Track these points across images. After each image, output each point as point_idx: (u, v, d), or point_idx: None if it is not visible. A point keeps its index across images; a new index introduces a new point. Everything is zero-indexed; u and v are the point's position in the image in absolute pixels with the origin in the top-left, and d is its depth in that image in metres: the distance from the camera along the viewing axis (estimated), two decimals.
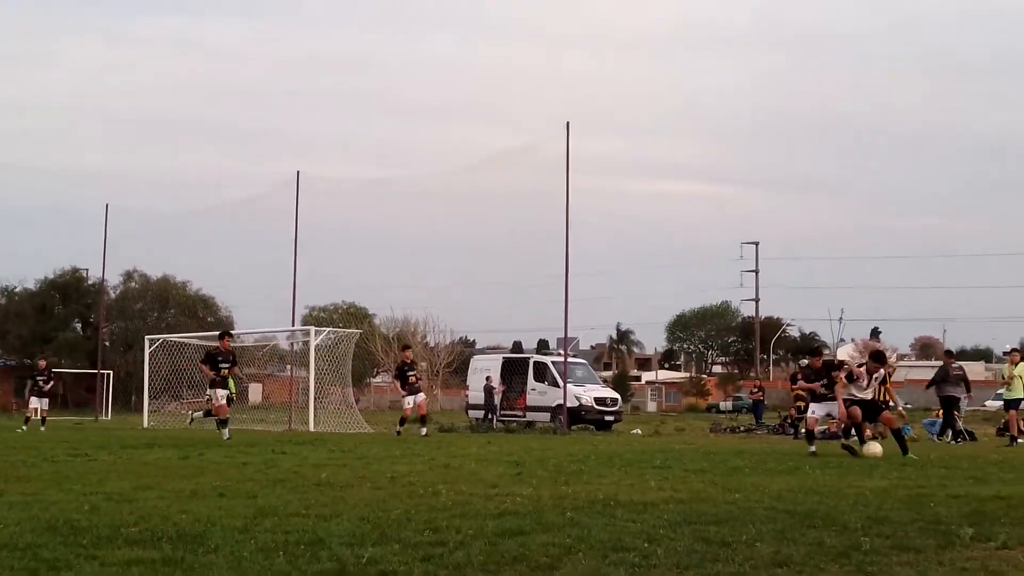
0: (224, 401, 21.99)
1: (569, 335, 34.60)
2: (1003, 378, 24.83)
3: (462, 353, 74.29)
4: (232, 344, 24.19)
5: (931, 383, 26.95)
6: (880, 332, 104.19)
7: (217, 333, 27.37)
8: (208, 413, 23.16)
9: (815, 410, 18.22)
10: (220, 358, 22.13)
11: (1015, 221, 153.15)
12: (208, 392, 22.67)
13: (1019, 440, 23.10)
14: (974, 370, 77.72)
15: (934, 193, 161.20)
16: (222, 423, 22.02)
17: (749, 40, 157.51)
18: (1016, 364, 23.38)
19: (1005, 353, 27.54)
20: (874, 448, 16.30)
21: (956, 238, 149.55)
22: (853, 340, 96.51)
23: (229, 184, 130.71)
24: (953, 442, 24.96)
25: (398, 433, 25.32)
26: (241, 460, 14.91)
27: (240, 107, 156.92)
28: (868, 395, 17.14)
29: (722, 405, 76.57)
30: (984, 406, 47.03)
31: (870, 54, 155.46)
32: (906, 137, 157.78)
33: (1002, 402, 25.43)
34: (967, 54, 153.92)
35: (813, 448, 17.43)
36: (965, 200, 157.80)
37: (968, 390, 26.59)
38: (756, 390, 42.61)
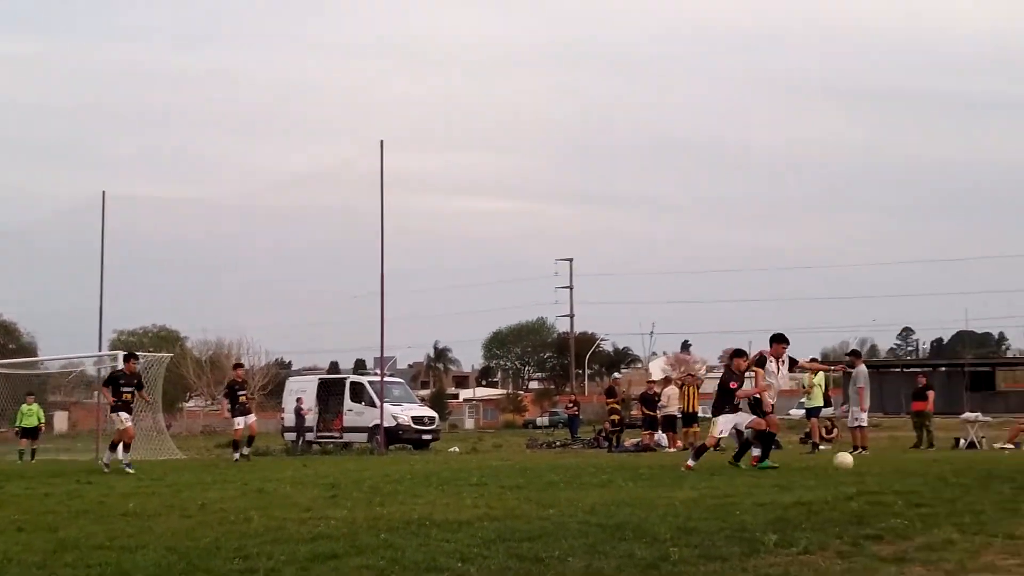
0: (129, 424, 20.72)
1: (386, 354, 34.48)
2: (804, 387, 25.77)
3: (277, 375, 73.16)
4: (47, 371, 23.04)
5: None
6: (690, 345, 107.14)
7: (16, 360, 26.24)
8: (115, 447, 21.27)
9: (723, 423, 16.34)
10: (123, 381, 20.99)
11: (818, 236, 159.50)
12: (111, 416, 21.49)
13: (821, 447, 23.99)
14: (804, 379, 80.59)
15: (742, 208, 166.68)
16: (125, 448, 20.68)
17: (567, 58, 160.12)
18: (816, 374, 24.25)
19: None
20: (845, 459, 15.70)
21: (764, 252, 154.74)
22: (664, 353, 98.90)
23: (29, 204, 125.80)
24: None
25: (236, 460, 24.02)
26: (43, 491, 14.32)
27: (39, 123, 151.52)
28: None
29: (539, 420, 77.32)
30: (788, 415, 48.69)
31: (681, 71, 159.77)
32: (712, 153, 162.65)
33: (804, 411, 26.38)
34: (780, 70, 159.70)
35: (691, 463, 16.04)
36: (772, 214, 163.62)
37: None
38: (572, 405, 43.16)
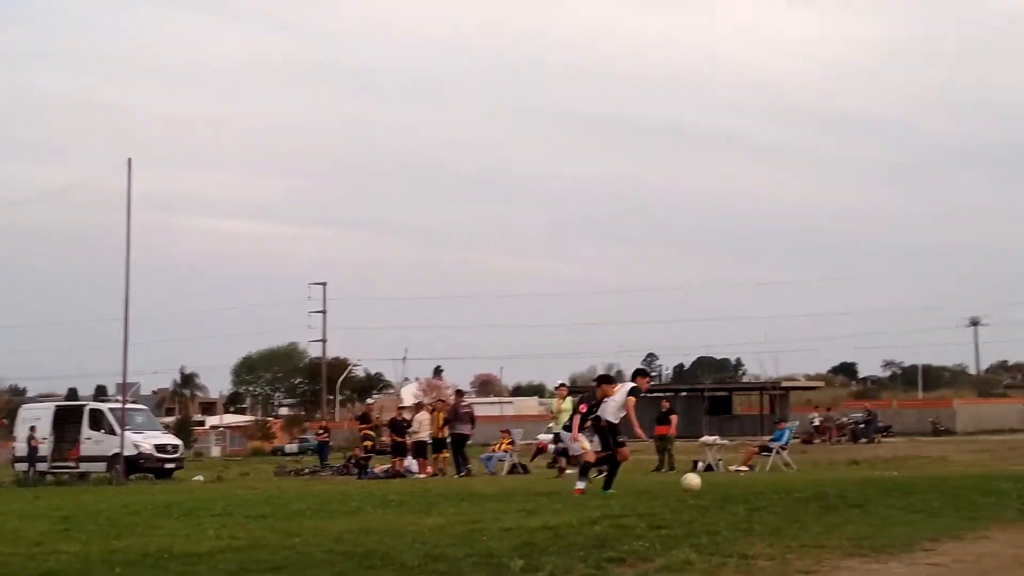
0: None
1: (129, 380, 33.35)
2: (552, 412, 26.31)
3: (10, 402, 69.55)
4: None
5: (445, 422, 28.61)
6: (443, 370, 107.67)
7: None
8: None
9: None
10: None
11: (565, 263, 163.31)
12: None
13: (567, 471, 24.43)
14: (528, 404, 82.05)
15: (494, 235, 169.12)
16: None
17: (326, 80, 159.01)
18: (564, 399, 24.78)
19: (556, 388, 29.33)
20: (692, 480, 15.54)
21: (514, 278, 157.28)
22: (417, 379, 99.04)
23: None
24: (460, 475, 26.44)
25: None
26: None
27: None
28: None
29: (287, 447, 76.10)
30: (537, 439, 49.47)
31: (440, 97, 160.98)
32: (466, 180, 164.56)
33: (552, 436, 26.87)
34: (538, 101, 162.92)
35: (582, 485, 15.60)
36: (522, 241, 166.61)
37: (473, 425, 28.92)
38: (322, 431, 42.67)
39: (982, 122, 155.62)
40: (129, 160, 30.50)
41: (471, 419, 29.06)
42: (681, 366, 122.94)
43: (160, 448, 34.65)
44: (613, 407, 15.88)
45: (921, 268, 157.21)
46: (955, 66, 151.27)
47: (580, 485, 15.44)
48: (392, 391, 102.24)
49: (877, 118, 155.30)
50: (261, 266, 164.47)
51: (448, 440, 28.58)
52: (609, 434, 15.90)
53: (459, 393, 32.39)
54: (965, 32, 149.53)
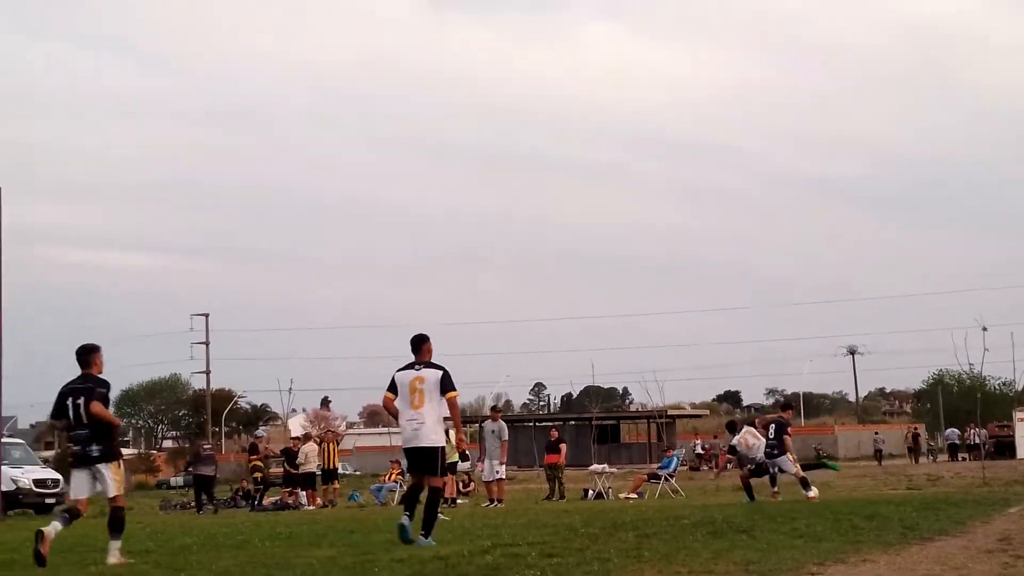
0: None
1: (5, 414, 32.31)
2: None
3: None
4: None
5: (187, 466, 30.03)
6: (330, 401, 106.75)
7: None
8: None
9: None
10: None
11: (452, 293, 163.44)
12: None
13: (459, 501, 24.39)
14: None
15: (379, 264, 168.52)
16: None
17: (190, 108, 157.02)
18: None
19: None
20: None
21: (402, 308, 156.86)
22: (304, 410, 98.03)
23: None
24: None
25: None
26: None
27: None
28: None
29: (173, 481, 74.65)
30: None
31: (309, 127, 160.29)
32: (349, 209, 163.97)
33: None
34: (411, 132, 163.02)
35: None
36: (408, 270, 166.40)
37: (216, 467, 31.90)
38: None
39: (848, 159, 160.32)
40: None
41: (214, 461, 32.08)
42: (569, 395, 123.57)
43: (39, 483, 33.70)
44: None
45: (797, 298, 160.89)
46: (819, 107, 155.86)
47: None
48: (279, 422, 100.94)
49: (750, 151, 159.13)
50: (142, 298, 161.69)
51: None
52: None
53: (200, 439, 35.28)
54: (825, 77, 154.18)
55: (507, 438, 24.57)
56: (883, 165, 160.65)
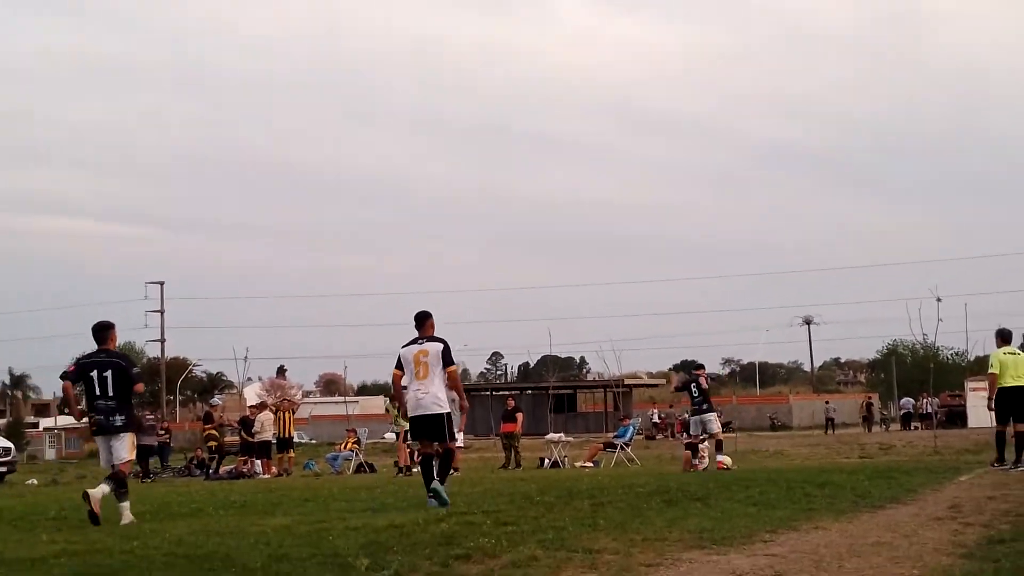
0: None
1: None
2: (387, 411, 26.33)
3: None
4: None
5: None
6: (286, 369, 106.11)
7: None
8: None
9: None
10: None
11: (405, 261, 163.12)
12: None
13: (413, 470, 24.38)
14: (374, 404, 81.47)
15: (331, 233, 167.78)
16: None
17: (159, 76, 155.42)
18: None
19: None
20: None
21: (352, 276, 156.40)
22: (260, 379, 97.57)
23: None
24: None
25: None
26: None
27: None
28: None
29: None
30: (383, 438, 49.35)
31: (273, 94, 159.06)
32: (302, 179, 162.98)
33: (394, 435, 26.83)
34: (369, 100, 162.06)
35: None
36: (358, 239, 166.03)
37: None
38: (163, 432, 41.72)
39: (805, 126, 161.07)
40: None
41: (156, 431, 34.52)
42: (526, 364, 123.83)
43: None
44: None
45: (755, 267, 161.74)
46: (781, 72, 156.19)
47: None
48: (234, 391, 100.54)
49: (703, 119, 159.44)
50: (94, 265, 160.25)
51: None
52: None
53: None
54: (788, 40, 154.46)
55: (467, 405, 24.43)
56: (841, 131, 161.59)
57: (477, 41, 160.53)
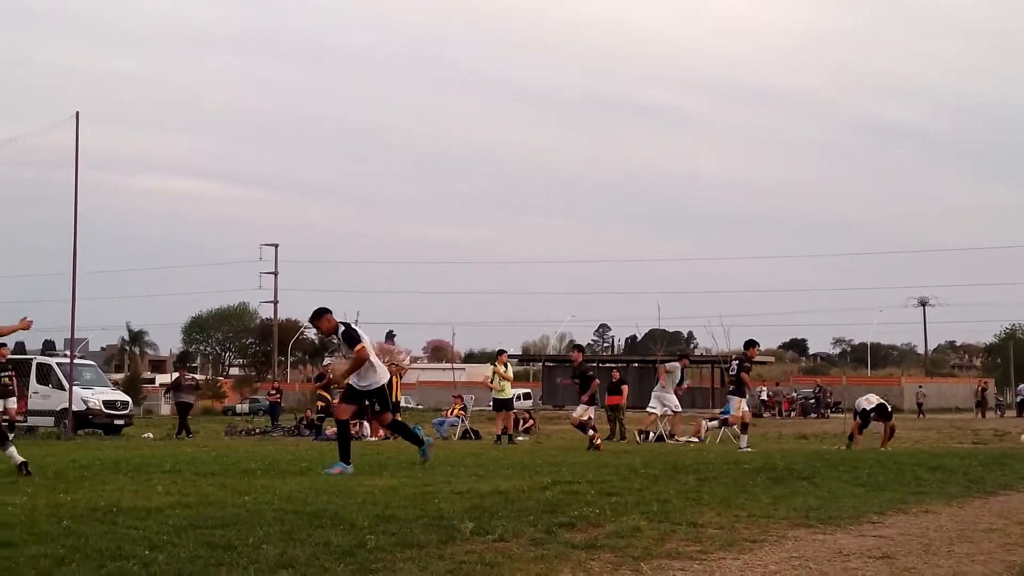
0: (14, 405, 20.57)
1: (77, 336, 33.03)
2: (488, 379, 26.41)
3: None
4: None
5: (167, 391, 31.88)
6: (395, 335, 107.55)
7: None
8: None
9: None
10: None
11: (516, 233, 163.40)
12: None
13: (518, 439, 24.53)
14: (480, 371, 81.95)
15: (441, 204, 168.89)
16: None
17: (261, 42, 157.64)
18: (507, 367, 24.94)
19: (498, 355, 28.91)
20: None
21: (467, 247, 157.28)
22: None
23: None
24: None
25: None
26: None
27: None
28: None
29: (238, 407, 75.79)
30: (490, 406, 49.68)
31: (376, 66, 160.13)
32: (419, 150, 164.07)
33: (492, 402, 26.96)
34: (476, 72, 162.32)
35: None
36: (472, 211, 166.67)
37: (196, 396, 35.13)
38: (274, 392, 42.57)
39: (927, 109, 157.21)
40: (77, 114, 29.89)
41: (194, 389, 35.74)
42: (634, 337, 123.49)
43: (109, 404, 34.44)
44: None
45: (869, 247, 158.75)
46: (892, 51, 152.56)
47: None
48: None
49: (819, 97, 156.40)
50: (211, 226, 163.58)
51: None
52: None
53: (183, 366, 37.21)
54: (906, 21, 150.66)
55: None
56: (964, 115, 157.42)
57: (586, 14, 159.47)
